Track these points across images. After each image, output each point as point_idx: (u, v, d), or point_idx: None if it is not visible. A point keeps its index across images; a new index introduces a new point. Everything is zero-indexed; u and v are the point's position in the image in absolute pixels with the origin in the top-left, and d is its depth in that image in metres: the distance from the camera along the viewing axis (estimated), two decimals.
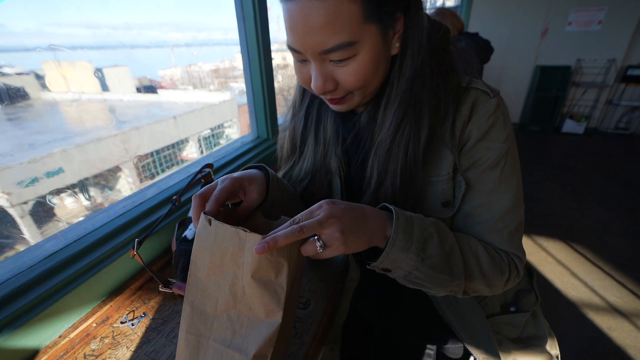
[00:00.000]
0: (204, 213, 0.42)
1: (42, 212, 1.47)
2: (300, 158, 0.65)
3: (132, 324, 0.60)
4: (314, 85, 0.46)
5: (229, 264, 0.40)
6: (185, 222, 0.74)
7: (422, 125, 0.47)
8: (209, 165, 0.88)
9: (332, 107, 0.52)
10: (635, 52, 3.92)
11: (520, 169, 0.53)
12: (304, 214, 0.40)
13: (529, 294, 0.65)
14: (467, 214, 0.52)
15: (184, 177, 0.90)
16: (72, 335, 0.57)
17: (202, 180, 0.88)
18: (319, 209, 0.40)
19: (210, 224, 0.41)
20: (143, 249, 0.62)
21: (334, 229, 0.39)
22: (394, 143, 0.48)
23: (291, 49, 0.45)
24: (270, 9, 1.08)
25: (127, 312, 0.63)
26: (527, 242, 2.23)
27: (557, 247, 2.19)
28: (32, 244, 0.60)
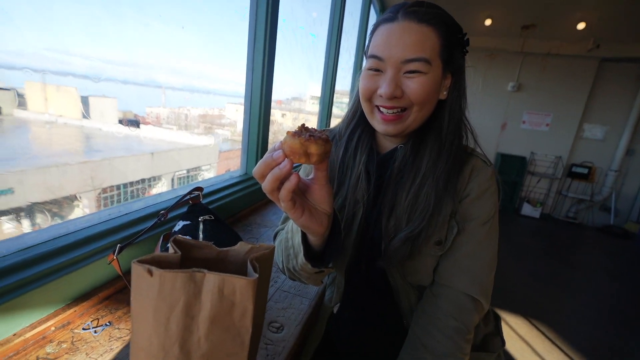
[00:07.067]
0: (138, 261, 0.34)
1: None
2: (338, 187, 0.65)
3: (95, 332, 0.57)
4: (385, 89, 0.52)
5: (179, 319, 0.34)
6: (169, 237, 0.74)
7: (456, 165, 0.57)
8: (199, 189, 0.92)
9: (382, 126, 0.56)
10: (577, 153, 4.57)
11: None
12: None
13: (495, 338, 0.69)
14: (456, 260, 0.58)
15: (172, 197, 0.92)
16: (28, 335, 0.53)
17: (190, 202, 0.90)
18: None
19: (151, 274, 0.33)
20: (121, 258, 0.61)
21: None
22: (450, 175, 0.56)
23: (375, 57, 0.53)
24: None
25: (90, 319, 0.60)
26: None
27: (518, 323, 2.24)
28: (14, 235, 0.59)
